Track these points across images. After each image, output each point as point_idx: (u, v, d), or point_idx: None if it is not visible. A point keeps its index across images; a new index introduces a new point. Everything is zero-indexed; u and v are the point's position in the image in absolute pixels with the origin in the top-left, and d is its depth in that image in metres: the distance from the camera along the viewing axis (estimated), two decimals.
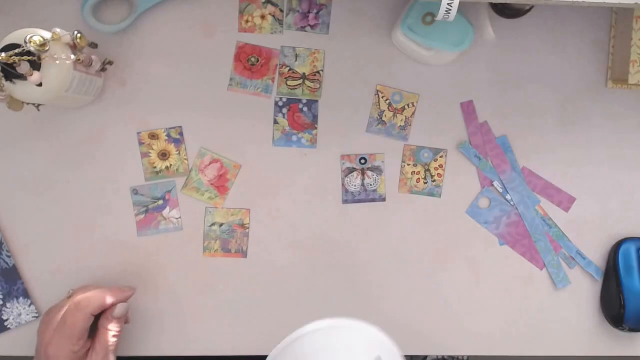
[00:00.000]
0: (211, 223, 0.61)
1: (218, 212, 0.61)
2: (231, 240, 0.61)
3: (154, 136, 0.60)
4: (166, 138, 0.60)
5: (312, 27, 0.60)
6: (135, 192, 0.59)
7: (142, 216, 0.60)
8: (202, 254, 0.61)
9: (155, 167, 0.60)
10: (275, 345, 0.45)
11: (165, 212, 0.60)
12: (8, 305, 0.59)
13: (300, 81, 0.61)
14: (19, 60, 0.47)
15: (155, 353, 0.61)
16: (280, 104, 0.61)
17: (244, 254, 0.61)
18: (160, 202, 0.60)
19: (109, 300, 0.54)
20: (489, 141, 0.62)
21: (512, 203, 0.62)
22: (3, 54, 0.46)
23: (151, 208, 0.60)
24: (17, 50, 0.47)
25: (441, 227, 0.62)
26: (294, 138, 0.61)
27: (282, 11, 0.60)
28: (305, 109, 0.61)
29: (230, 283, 0.61)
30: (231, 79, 0.60)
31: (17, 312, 0.59)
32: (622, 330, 0.61)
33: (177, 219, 0.60)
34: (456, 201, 0.62)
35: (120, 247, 0.60)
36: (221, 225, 0.61)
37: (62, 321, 0.52)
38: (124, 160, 0.60)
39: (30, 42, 0.46)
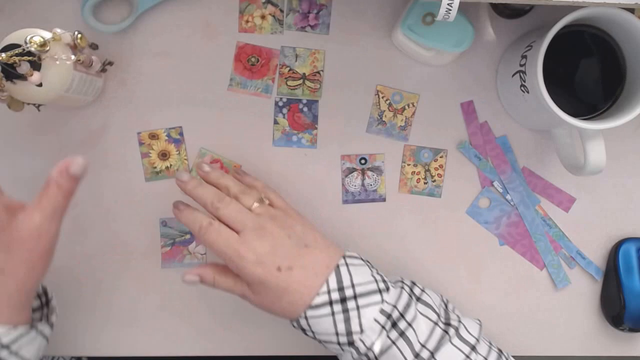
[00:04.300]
0: None
1: None
2: None
3: (154, 136, 0.60)
4: (166, 138, 0.60)
5: (312, 27, 0.60)
6: (164, 224, 0.59)
7: (168, 248, 0.60)
8: None
9: (155, 167, 0.60)
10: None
11: (191, 246, 0.60)
12: None
13: (300, 81, 0.61)
14: (19, 60, 0.47)
15: (153, 353, 0.61)
16: (280, 104, 0.61)
17: None
18: (187, 236, 0.60)
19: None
20: (489, 141, 0.62)
21: (512, 203, 0.62)
22: (3, 54, 0.46)
23: (178, 241, 0.60)
24: (17, 50, 0.47)
25: (441, 227, 0.62)
26: (294, 138, 0.61)
27: (282, 11, 0.60)
28: (305, 109, 0.61)
29: None
30: (231, 79, 0.60)
31: None
32: (622, 330, 0.61)
33: (202, 254, 0.60)
34: (456, 201, 0.62)
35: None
36: None
37: None
38: (124, 160, 0.60)
39: (31, 42, 0.47)
